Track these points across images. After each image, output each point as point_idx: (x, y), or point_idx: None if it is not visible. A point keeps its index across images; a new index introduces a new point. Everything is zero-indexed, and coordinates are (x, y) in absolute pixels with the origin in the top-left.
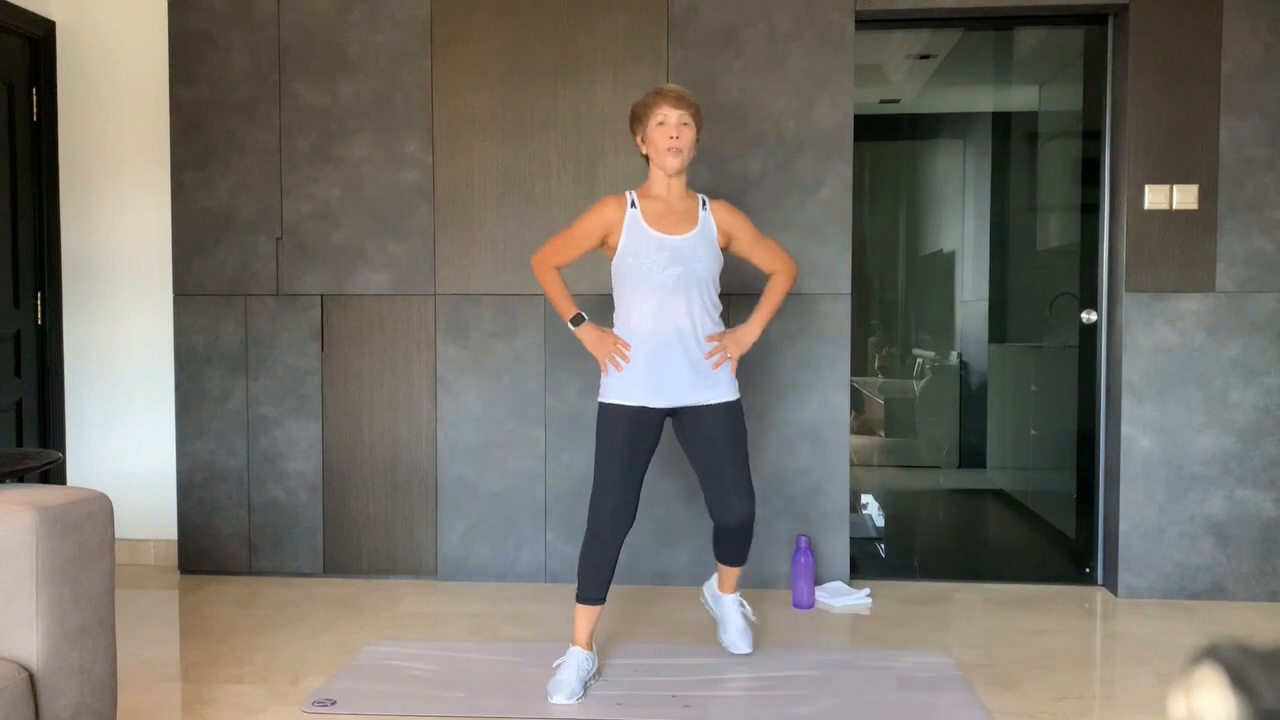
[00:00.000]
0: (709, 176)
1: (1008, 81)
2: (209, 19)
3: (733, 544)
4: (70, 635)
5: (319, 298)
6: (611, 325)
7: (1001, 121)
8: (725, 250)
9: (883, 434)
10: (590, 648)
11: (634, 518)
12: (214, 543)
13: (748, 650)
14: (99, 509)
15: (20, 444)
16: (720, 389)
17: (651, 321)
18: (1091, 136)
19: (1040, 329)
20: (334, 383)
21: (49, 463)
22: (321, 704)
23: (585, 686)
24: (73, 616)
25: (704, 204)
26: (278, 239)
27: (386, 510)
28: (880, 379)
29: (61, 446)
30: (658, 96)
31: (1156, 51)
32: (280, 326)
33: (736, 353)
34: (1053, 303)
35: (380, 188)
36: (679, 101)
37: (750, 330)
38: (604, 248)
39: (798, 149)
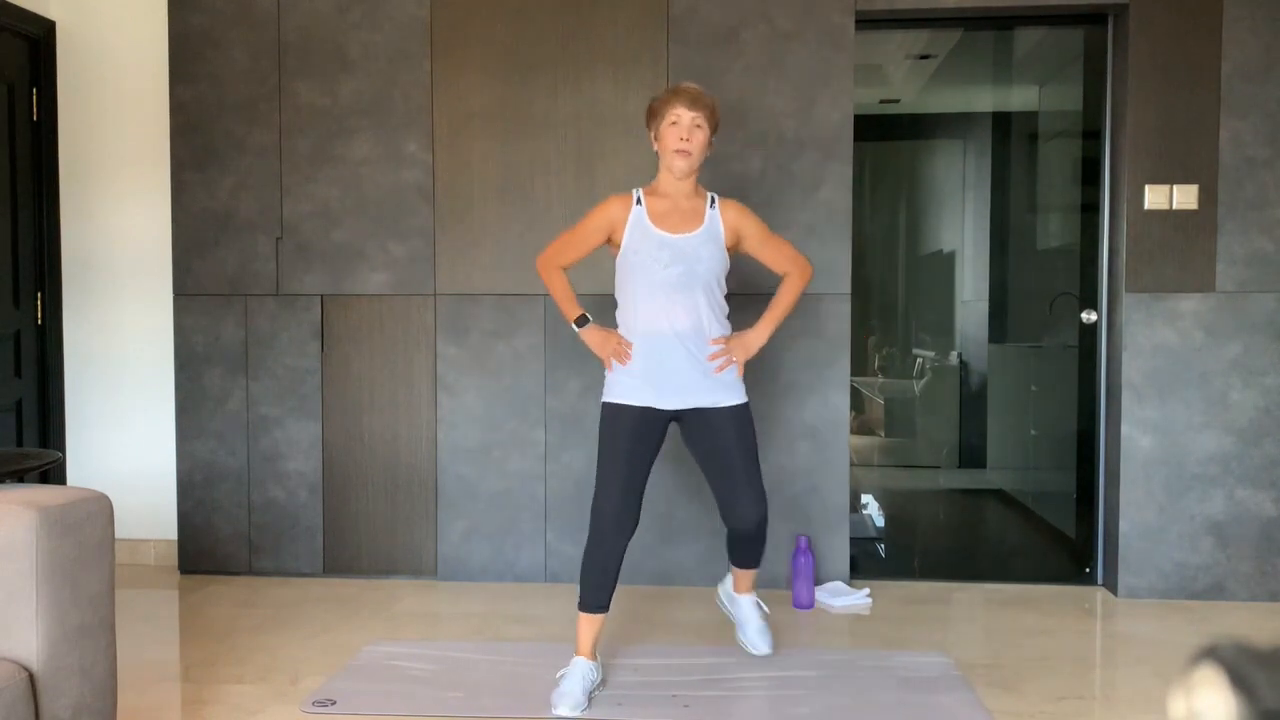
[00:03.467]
0: (709, 176)
1: (1008, 81)
2: (209, 19)
3: (746, 547)
4: (70, 635)
5: (319, 298)
6: (614, 325)
7: (1001, 121)
8: (734, 250)
9: (883, 434)
10: (594, 658)
11: (637, 521)
12: (214, 543)
13: (768, 650)
14: (99, 509)
15: (20, 444)
16: (726, 392)
17: (652, 320)
18: (1091, 136)
19: (1040, 329)
20: (334, 383)
21: (49, 463)
22: (321, 704)
23: (590, 696)
24: (73, 616)
25: (712, 202)
26: (278, 239)
27: (386, 510)
28: (880, 379)
29: (61, 446)
30: (673, 95)
31: (1156, 51)
32: (280, 326)
33: (742, 357)
34: (1053, 303)
35: (380, 188)
36: (694, 103)
37: (757, 334)
38: (610, 245)
39: (798, 149)
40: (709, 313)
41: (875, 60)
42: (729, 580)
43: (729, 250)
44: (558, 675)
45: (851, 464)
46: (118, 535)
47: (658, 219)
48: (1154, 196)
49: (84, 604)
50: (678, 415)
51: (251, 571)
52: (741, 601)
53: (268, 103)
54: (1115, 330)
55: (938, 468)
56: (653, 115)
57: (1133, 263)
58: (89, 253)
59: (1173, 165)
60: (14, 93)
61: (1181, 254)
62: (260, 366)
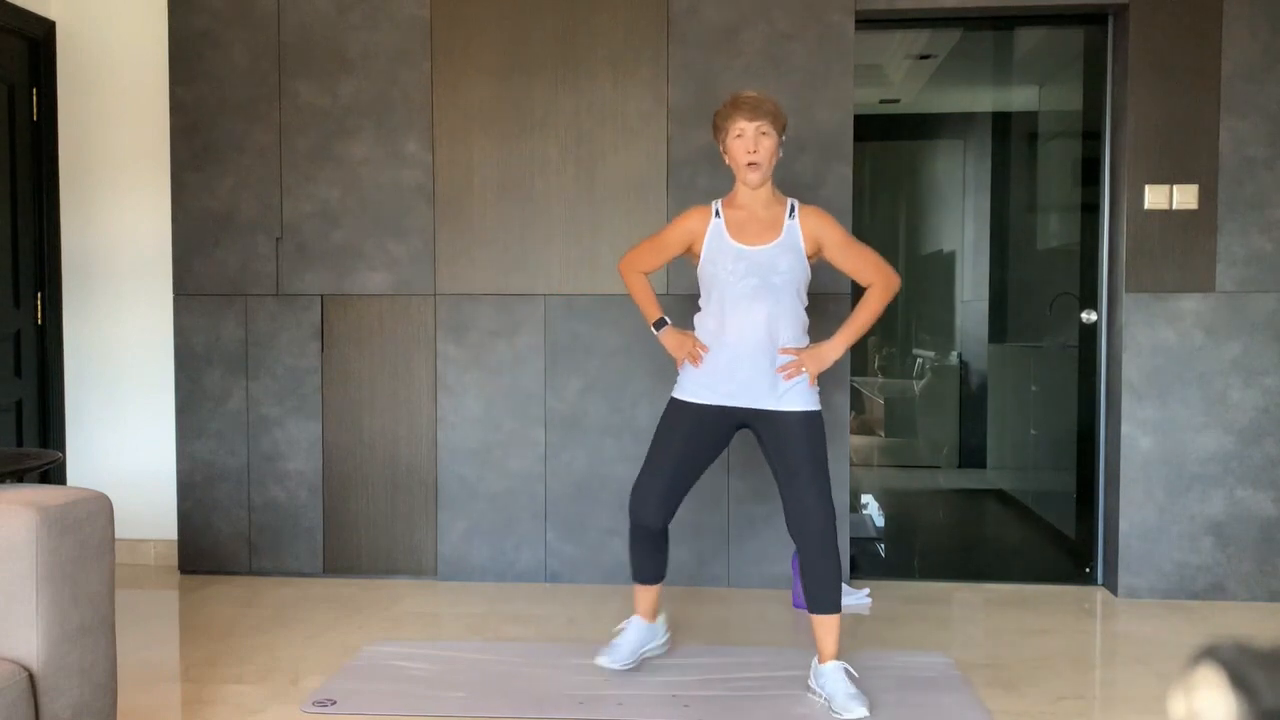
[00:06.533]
0: (709, 176)
1: (1008, 81)
2: (209, 19)
3: (813, 571)
4: (70, 635)
5: (319, 298)
6: (691, 326)
7: (1001, 121)
8: (816, 258)
9: (883, 434)
10: (652, 619)
11: (674, 510)
12: (214, 543)
13: (864, 712)
14: (99, 509)
15: (20, 444)
16: (794, 398)
17: (726, 329)
18: (1091, 136)
19: (1040, 329)
20: (334, 383)
21: (49, 463)
22: (321, 704)
23: (639, 657)
24: (73, 616)
25: (791, 211)
26: (278, 239)
27: (386, 510)
28: (880, 379)
29: (61, 446)
30: (733, 108)
31: (1156, 51)
32: (280, 326)
33: (814, 369)
34: (1053, 303)
35: (380, 188)
36: (755, 112)
37: (833, 347)
38: (690, 255)
39: (798, 149)
40: (785, 323)
41: (875, 60)
42: (815, 661)
43: (810, 259)
44: (615, 629)
45: (851, 464)
46: (118, 535)
47: (735, 230)
48: (1154, 196)
49: (84, 604)
50: (748, 423)
51: (251, 571)
52: (826, 671)
53: (268, 103)
54: (1115, 330)
55: (938, 468)
56: (717, 130)
57: (1133, 263)
58: (89, 253)
59: (1173, 165)
60: (14, 93)
61: (1181, 254)
62: (260, 366)
